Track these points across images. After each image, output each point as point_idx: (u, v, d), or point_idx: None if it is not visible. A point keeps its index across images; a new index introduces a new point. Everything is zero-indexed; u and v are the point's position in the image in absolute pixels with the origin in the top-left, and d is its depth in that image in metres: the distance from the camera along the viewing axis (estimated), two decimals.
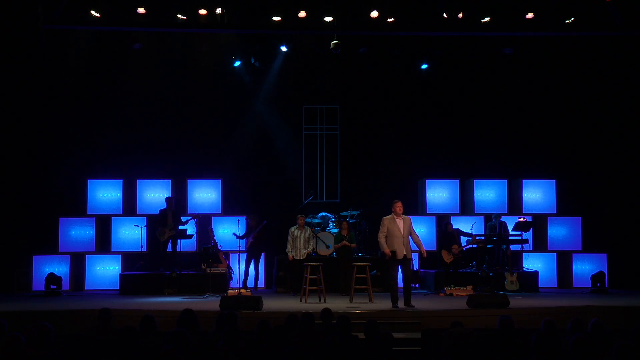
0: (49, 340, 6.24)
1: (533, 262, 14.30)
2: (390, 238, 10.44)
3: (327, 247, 13.26)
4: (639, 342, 5.91)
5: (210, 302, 11.10)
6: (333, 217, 14.21)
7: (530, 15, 13.33)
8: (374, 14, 13.21)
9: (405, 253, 10.46)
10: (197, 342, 6.17)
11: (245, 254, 13.31)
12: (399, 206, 10.54)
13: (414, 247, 10.81)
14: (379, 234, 10.54)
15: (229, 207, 14.77)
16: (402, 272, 10.61)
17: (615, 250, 14.50)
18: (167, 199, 13.67)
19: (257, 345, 6.26)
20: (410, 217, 10.85)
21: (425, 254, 10.99)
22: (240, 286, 12.72)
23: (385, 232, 10.46)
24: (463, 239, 13.49)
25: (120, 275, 13.42)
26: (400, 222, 10.51)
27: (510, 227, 13.76)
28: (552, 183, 15.05)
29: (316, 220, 14.20)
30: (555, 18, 13.46)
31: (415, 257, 13.65)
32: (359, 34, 14.10)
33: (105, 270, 13.99)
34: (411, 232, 10.62)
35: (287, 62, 15.19)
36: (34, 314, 9.71)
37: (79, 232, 14.17)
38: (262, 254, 13.80)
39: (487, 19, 13.35)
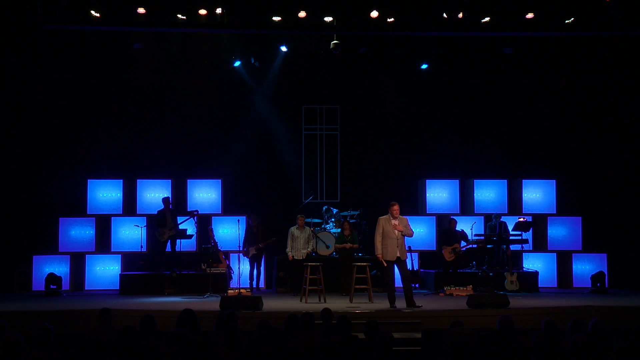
0: (49, 340, 6.24)
1: (533, 262, 14.31)
2: (385, 239, 10.41)
3: (327, 247, 13.26)
4: (639, 342, 5.91)
5: (210, 302, 11.09)
6: (335, 211, 14.23)
7: (530, 15, 13.32)
8: (374, 14, 13.20)
9: (399, 255, 10.43)
10: (197, 342, 6.17)
11: (248, 259, 13.55)
12: (395, 209, 10.48)
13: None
14: (375, 236, 10.52)
15: (229, 207, 14.77)
16: (400, 273, 10.61)
17: (615, 250, 14.50)
18: (164, 199, 13.67)
19: (257, 345, 6.26)
20: (411, 217, 10.82)
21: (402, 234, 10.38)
22: (247, 287, 12.96)
23: (381, 233, 10.45)
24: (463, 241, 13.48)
25: (120, 275, 13.42)
26: (395, 224, 10.47)
27: (510, 227, 13.76)
28: (552, 183, 15.05)
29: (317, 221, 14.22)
30: (555, 18, 13.45)
31: (415, 257, 13.67)
32: (359, 34, 14.08)
33: (105, 270, 14.00)
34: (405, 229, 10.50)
35: (287, 62, 15.19)
36: (34, 314, 9.70)
37: (79, 232, 14.17)
38: (263, 256, 13.96)
39: (487, 19, 13.34)
